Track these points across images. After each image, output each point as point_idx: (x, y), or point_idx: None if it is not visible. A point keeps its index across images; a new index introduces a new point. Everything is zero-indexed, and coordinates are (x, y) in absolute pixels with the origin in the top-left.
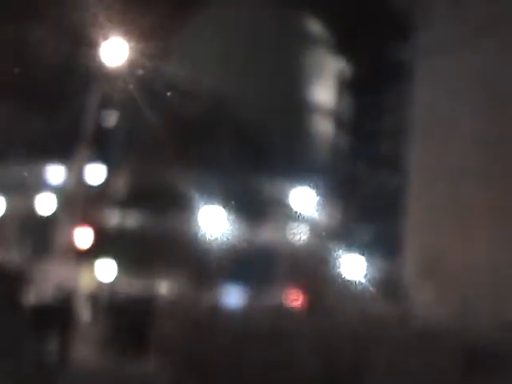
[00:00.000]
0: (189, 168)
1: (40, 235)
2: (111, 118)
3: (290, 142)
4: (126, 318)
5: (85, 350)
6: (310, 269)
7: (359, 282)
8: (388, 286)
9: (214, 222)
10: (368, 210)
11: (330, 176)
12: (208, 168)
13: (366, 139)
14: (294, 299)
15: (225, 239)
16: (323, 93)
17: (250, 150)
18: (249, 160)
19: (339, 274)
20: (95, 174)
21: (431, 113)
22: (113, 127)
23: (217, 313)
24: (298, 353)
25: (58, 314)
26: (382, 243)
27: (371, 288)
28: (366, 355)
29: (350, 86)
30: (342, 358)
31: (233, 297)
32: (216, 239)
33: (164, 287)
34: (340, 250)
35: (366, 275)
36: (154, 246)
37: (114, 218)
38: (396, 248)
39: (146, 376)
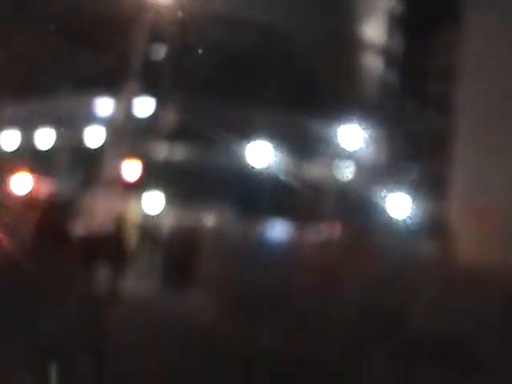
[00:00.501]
0: (237, 102)
1: (89, 168)
2: (160, 51)
3: (339, 78)
4: (172, 250)
5: (133, 283)
6: (356, 206)
7: (405, 220)
8: (434, 225)
9: (261, 158)
10: (415, 149)
11: (378, 114)
12: (256, 103)
13: (415, 78)
14: (339, 236)
15: (271, 175)
16: (373, 29)
17: (299, 86)
18: (297, 96)
19: (385, 212)
20: (143, 107)
21: (482, 53)
22: (161, 60)
23: (262, 247)
24: (340, 289)
25: (106, 246)
26: (429, 182)
27: (416, 227)
28: (409, 294)
29: (401, 24)
30: (385, 296)
31: (278, 232)
32: (263, 174)
33: (211, 220)
34: (386, 188)
35: (411, 214)
36: (201, 179)
37: (162, 150)
38: (443, 188)
39: (191, 309)
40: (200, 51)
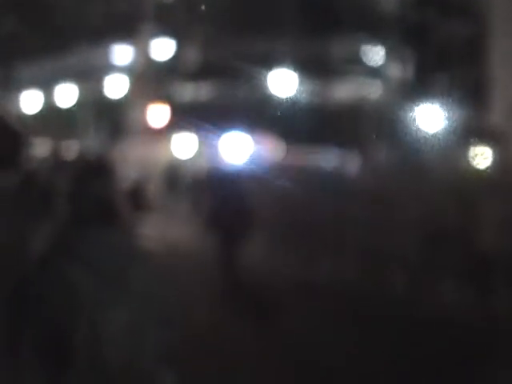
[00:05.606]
0: (256, 34)
1: (114, 118)
2: None
3: None
4: (207, 189)
5: (171, 228)
6: (388, 124)
7: (443, 133)
8: (476, 133)
9: (286, 86)
10: (443, 59)
11: (400, 27)
12: (275, 32)
13: None
14: (376, 157)
15: (298, 102)
16: None
17: (316, 9)
18: (316, 19)
19: (419, 128)
20: (162, 49)
21: None
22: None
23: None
24: (390, 210)
25: (139, 196)
26: (464, 91)
27: (458, 138)
28: (458, 210)
29: None
30: (439, 215)
31: (317, 158)
32: (289, 103)
33: (242, 156)
34: (417, 102)
35: (449, 126)
36: (229, 115)
37: (186, 92)
38: (480, 94)
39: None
40: None
